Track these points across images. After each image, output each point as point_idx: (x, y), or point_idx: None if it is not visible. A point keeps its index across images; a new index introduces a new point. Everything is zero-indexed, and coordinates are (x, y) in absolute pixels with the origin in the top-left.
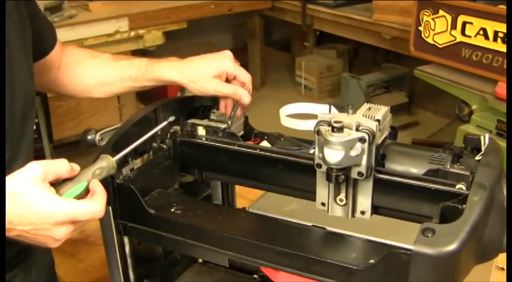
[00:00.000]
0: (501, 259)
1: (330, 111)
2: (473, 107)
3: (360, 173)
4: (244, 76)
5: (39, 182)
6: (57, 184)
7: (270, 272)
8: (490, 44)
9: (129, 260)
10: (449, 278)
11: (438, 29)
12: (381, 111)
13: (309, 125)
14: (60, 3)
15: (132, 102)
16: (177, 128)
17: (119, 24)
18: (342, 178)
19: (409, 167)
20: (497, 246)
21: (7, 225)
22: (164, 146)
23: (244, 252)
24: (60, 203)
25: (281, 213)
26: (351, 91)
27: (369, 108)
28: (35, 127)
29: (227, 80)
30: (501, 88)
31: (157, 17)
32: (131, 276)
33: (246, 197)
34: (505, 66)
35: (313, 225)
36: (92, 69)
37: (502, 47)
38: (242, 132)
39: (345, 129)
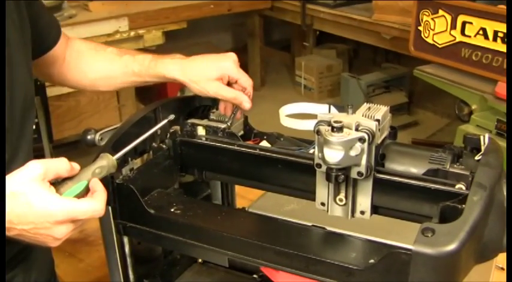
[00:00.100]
0: (501, 259)
1: (329, 111)
2: (473, 107)
3: (359, 173)
4: (246, 81)
5: (39, 181)
6: (57, 183)
7: (270, 272)
8: (489, 44)
9: (128, 260)
10: (449, 278)
11: (438, 29)
12: (381, 111)
13: (308, 125)
14: (60, 3)
15: (132, 102)
16: (177, 127)
17: (119, 24)
18: (342, 178)
19: (408, 166)
20: (497, 246)
21: (7, 225)
22: (164, 146)
23: (244, 252)
24: (60, 202)
25: (281, 213)
26: (351, 91)
27: (369, 108)
28: (34, 127)
29: (228, 83)
30: (501, 88)
31: (157, 17)
32: (131, 276)
33: (245, 197)
34: (504, 66)
35: (313, 225)
36: (96, 63)
37: (502, 47)
38: (242, 132)
39: (345, 129)
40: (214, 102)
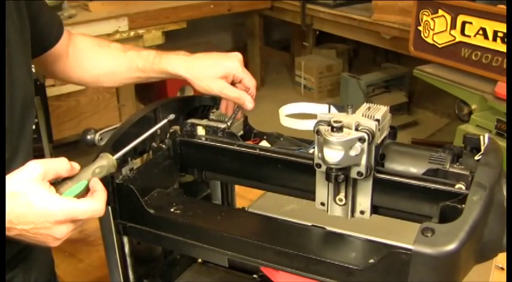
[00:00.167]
0: (501, 259)
1: (329, 111)
2: (473, 107)
3: (359, 173)
4: (250, 81)
5: (39, 180)
6: (57, 183)
7: (270, 272)
8: (489, 44)
9: (128, 260)
10: (448, 278)
11: (438, 29)
12: (381, 111)
13: (308, 125)
14: (60, 3)
15: (131, 102)
16: (177, 127)
17: (119, 24)
18: (342, 178)
19: (408, 166)
20: (497, 245)
21: (7, 225)
22: (164, 146)
23: (244, 252)
24: (60, 201)
25: (281, 213)
26: (351, 91)
27: (369, 108)
28: (34, 127)
29: (232, 82)
30: (501, 88)
31: (157, 17)
32: (131, 276)
33: (245, 196)
34: (504, 66)
35: (312, 225)
36: (100, 59)
37: (502, 47)
38: (242, 132)
39: (345, 129)
40: (214, 102)
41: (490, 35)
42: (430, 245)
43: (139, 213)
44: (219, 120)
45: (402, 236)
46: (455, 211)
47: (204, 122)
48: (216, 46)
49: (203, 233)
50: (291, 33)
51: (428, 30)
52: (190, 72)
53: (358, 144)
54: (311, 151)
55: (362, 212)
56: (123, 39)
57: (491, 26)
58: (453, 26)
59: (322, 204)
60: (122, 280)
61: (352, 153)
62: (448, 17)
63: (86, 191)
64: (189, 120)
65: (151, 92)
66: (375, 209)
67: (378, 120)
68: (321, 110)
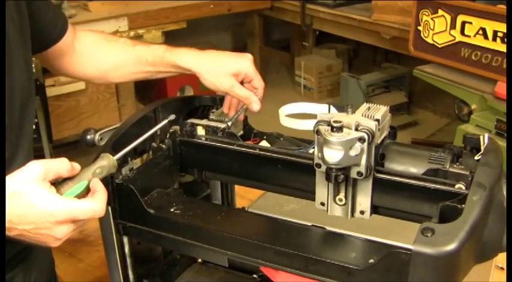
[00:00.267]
0: (501, 259)
1: (329, 111)
2: (473, 107)
3: (359, 173)
4: (259, 82)
5: (40, 181)
6: (58, 183)
7: (270, 272)
8: (489, 44)
9: (128, 260)
10: (448, 278)
11: (437, 29)
12: (380, 111)
13: (308, 125)
14: (60, 3)
15: (131, 102)
16: (177, 127)
17: (119, 24)
18: (342, 178)
19: (408, 166)
20: (497, 245)
21: (8, 225)
22: (163, 146)
23: (244, 252)
24: (61, 201)
25: (280, 213)
26: (351, 91)
27: (368, 108)
28: (34, 127)
29: (241, 82)
30: (500, 88)
31: (157, 17)
32: (131, 276)
33: (245, 196)
34: (504, 66)
35: (312, 225)
36: (107, 53)
37: (502, 47)
38: (241, 132)
39: (345, 129)
40: (214, 102)
41: (490, 35)
42: (430, 245)
43: (139, 213)
44: (219, 120)
45: (402, 236)
46: (455, 211)
47: (204, 122)
48: (216, 46)
49: (203, 233)
50: (291, 33)
51: (428, 30)
52: (200, 67)
53: (358, 144)
54: (311, 151)
55: (362, 212)
56: None
57: (491, 26)
58: (453, 26)
59: (322, 204)
60: (122, 280)
61: (352, 153)
62: (448, 17)
63: (86, 192)
64: (189, 120)
65: (151, 92)
66: (375, 209)
67: (377, 120)
68: (321, 110)
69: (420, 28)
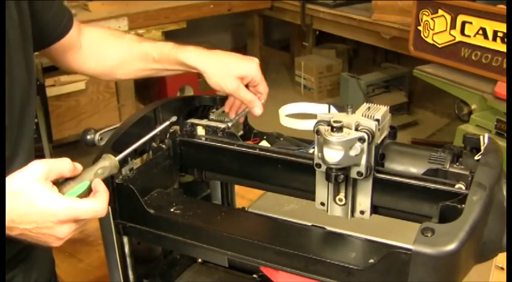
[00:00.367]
0: (501, 259)
1: (329, 111)
2: (473, 107)
3: (359, 173)
4: (264, 88)
5: (42, 180)
6: (60, 183)
7: (270, 272)
8: (489, 44)
9: (128, 260)
10: (448, 278)
11: (437, 29)
12: (380, 111)
13: (308, 125)
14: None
15: (131, 102)
16: (177, 127)
17: (119, 24)
18: (342, 178)
19: (408, 166)
20: (497, 245)
21: (10, 224)
22: (163, 146)
23: (244, 252)
24: (63, 201)
25: (280, 213)
26: (351, 91)
27: (368, 108)
28: (34, 127)
29: (246, 85)
30: (500, 88)
31: (157, 17)
32: (131, 276)
33: (245, 196)
34: (504, 66)
35: (312, 225)
36: (113, 49)
37: (502, 47)
38: (241, 132)
39: (345, 129)
40: (214, 102)
41: (490, 35)
42: (430, 245)
43: (140, 213)
44: (219, 120)
45: (402, 236)
46: (455, 211)
47: (204, 122)
48: (216, 46)
49: (203, 233)
50: (291, 33)
51: (428, 30)
52: (206, 66)
53: (358, 144)
54: (311, 151)
55: (362, 212)
56: None
57: (491, 26)
58: (453, 26)
59: (322, 204)
60: (122, 280)
61: (352, 153)
62: (448, 17)
63: (88, 192)
64: (189, 120)
65: (151, 92)
66: (375, 209)
67: (377, 120)
68: (321, 110)
69: (420, 28)
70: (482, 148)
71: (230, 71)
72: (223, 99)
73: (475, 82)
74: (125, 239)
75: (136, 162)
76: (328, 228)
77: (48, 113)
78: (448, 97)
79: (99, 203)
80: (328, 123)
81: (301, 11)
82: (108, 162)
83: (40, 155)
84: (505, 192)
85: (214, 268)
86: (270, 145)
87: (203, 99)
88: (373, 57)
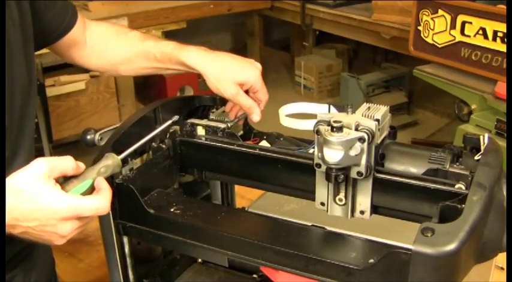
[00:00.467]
0: (501, 259)
1: (329, 111)
2: (473, 107)
3: (359, 173)
4: (264, 95)
5: (45, 177)
6: (63, 181)
7: (270, 272)
8: (489, 44)
9: (128, 260)
10: (448, 278)
11: (437, 29)
12: (380, 110)
13: (308, 125)
14: None
15: (131, 102)
16: (177, 127)
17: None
18: (342, 178)
19: (408, 166)
20: (497, 245)
21: (13, 222)
22: (163, 146)
23: (244, 252)
24: (66, 198)
25: (280, 213)
26: (351, 91)
27: (368, 108)
28: (34, 127)
29: (246, 91)
30: (500, 88)
31: (157, 17)
32: (131, 276)
33: (245, 196)
34: (504, 66)
35: (312, 225)
36: (117, 47)
37: (502, 47)
38: (241, 132)
39: (345, 129)
40: (214, 102)
41: (490, 35)
42: (430, 245)
43: (140, 213)
44: (219, 120)
45: (402, 236)
46: (455, 211)
47: (204, 122)
48: (215, 46)
49: (203, 233)
50: (291, 33)
51: (428, 30)
52: (207, 69)
53: (358, 144)
54: (311, 151)
55: (362, 212)
56: None
57: (491, 26)
58: (453, 26)
59: (322, 204)
60: (122, 280)
61: (352, 153)
62: (448, 17)
63: (91, 190)
64: (189, 120)
65: (151, 92)
66: (375, 209)
67: (377, 120)
68: (321, 110)
69: (420, 28)
70: (482, 148)
71: (230, 76)
72: (223, 99)
73: (475, 82)
74: (125, 239)
75: (136, 162)
76: (328, 228)
77: (48, 113)
78: (448, 97)
79: (102, 200)
80: (328, 123)
81: (301, 11)
82: (111, 161)
83: (40, 155)
84: (505, 192)
85: (214, 268)
86: (270, 145)
87: (203, 99)
88: (373, 57)
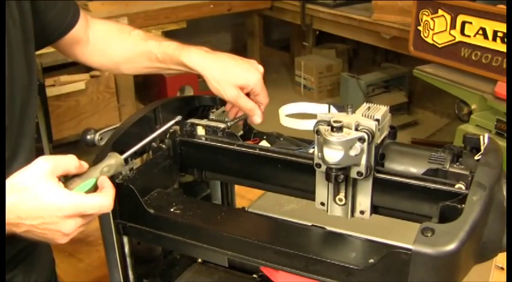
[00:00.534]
0: (501, 259)
1: (329, 111)
2: (473, 107)
3: (359, 173)
4: (265, 99)
5: (48, 176)
6: (66, 180)
7: (270, 272)
8: (489, 44)
9: (128, 259)
10: (448, 278)
11: (437, 29)
12: (380, 110)
13: (308, 125)
14: None
15: (131, 102)
16: (177, 127)
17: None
18: (342, 178)
19: (408, 166)
20: (497, 245)
21: (16, 221)
22: (163, 146)
23: (244, 252)
24: (69, 195)
25: (280, 213)
26: (351, 91)
27: (368, 108)
28: (35, 126)
29: (247, 93)
30: (500, 88)
31: (157, 17)
32: (131, 276)
33: (245, 196)
34: (504, 66)
35: (312, 225)
36: (119, 46)
37: (502, 47)
38: (241, 132)
39: (345, 129)
40: (214, 102)
41: (490, 35)
42: (430, 245)
43: (140, 213)
44: (219, 120)
45: (402, 236)
46: (455, 211)
47: (204, 122)
48: (215, 46)
49: (203, 233)
50: (291, 33)
51: (428, 30)
52: (207, 71)
53: (358, 144)
54: (311, 151)
55: (362, 212)
56: None
57: (491, 26)
58: (453, 26)
59: (322, 204)
60: (122, 280)
61: (352, 153)
62: (448, 17)
63: (94, 189)
64: (189, 120)
65: (151, 92)
66: (375, 209)
67: (377, 120)
68: (321, 110)
69: (420, 28)
70: (482, 148)
71: (231, 79)
72: (223, 99)
73: (475, 82)
74: (125, 239)
75: (136, 162)
76: (328, 228)
77: (48, 113)
78: (448, 97)
79: (105, 198)
80: (328, 123)
81: (301, 11)
82: (114, 161)
83: (40, 155)
84: (505, 192)
85: (214, 268)
86: (270, 145)
87: (203, 99)
88: (373, 57)
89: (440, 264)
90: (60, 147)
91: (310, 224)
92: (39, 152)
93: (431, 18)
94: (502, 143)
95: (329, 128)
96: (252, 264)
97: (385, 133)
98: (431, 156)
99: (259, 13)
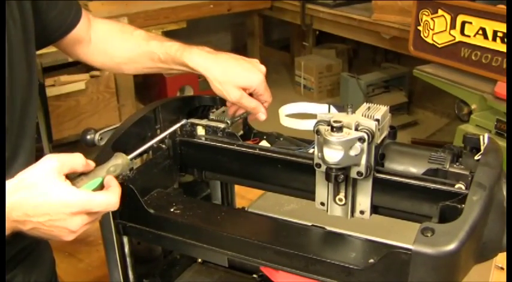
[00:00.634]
0: (500, 259)
1: (329, 111)
2: (473, 107)
3: (359, 173)
4: (268, 98)
5: (56, 173)
6: (73, 178)
7: (270, 272)
8: (489, 44)
9: (128, 259)
10: (448, 278)
11: (437, 29)
12: (380, 110)
13: (308, 125)
14: None
15: (131, 102)
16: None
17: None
18: (341, 178)
19: (408, 166)
20: (497, 245)
21: (23, 218)
22: (163, 146)
23: (244, 251)
24: (76, 192)
25: (280, 213)
26: (350, 91)
27: (368, 108)
28: (35, 127)
29: (250, 93)
30: (500, 88)
31: (157, 17)
32: (131, 276)
33: (245, 196)
34: (504, 66)
35: (312, 225)
36: (121, 47)
37: (501, 47)
38: (241, 132)
39: (344, 129)
40: (214, 102)
41: (490, 35)
42: (430, 245)
43: (140, 213)
44: (219, 120)
45: (402, 236)
46: (455, 211)
47: (204, 122)
48: (215, 46)
49: (203, 233)
50: (291, 33)
51: (428, 30)
52: (210, 72)
53: (358, 144)
54: (311, 151)
55: (362, 212)
56: None
57: (490, 26)
58: (453, 25)
59: (322, 204)
60: (122, 280)
61: (352, 153)
62: (448, 17)
63: (100, 188)
64: (189, 120)
65: (151, 92)
66: (375, 209)
67: (377, 120)
68: (321, 110)
69: (420, 28)
70: (482, 148)
71: (233, 80)
72: (223, 99)
73: (475, 82)
74: (125, 239)
75: (136, 162)
76: (328, 228)
77: (48, 113)
78: (448, 97)
79: (112, 196)
80: (328, 123)
81: (301, 11)
82: (121, 160)
83: (40, 155)
84: (505, 192)
85: (214, 268)
86: (270, 145)
87: (203, 99)
88: (373, 57)
89: (440, 264)
90: (60, 147)
91: (310, 224)
92: (39, 152)
93: (431, 18)
94: (502, 143)
95: (329, 128)
96: (252, 264)
97: (385, 133)
98: (431, 156)
99: (259, 13)
